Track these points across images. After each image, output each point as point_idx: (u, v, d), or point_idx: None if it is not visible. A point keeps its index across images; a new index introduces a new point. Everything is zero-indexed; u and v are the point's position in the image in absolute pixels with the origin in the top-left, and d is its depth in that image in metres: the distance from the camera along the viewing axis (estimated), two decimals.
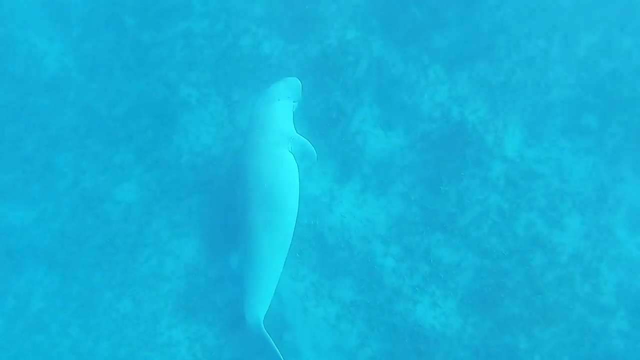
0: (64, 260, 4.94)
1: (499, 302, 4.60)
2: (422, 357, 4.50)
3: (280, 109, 4.42)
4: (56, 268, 4.94)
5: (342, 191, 4.88)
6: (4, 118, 5.23)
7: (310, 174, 4.89)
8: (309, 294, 4.67)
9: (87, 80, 5.28)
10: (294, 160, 4.39)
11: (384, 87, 5.06)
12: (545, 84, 4.95)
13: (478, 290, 4.64)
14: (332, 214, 4.83)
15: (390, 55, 5.09)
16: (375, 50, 5.12)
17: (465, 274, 4.68)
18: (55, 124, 5.18)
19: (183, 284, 4.82)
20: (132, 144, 5.09)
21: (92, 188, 5.03)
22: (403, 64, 5.08)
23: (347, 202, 4.86)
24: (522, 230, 4.71)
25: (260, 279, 4.29)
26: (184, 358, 4.62)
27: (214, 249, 4.84)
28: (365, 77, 5.07)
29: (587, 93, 4.91)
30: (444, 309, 4.62)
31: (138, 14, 5.31)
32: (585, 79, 4.93)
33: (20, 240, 5.01)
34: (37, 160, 5.12)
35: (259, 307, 4.29)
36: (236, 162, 4.76)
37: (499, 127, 4.88)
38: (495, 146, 4.84)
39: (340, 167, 4.93)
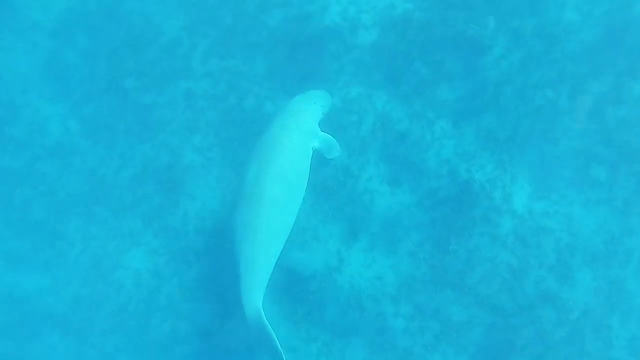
0: (79, 326, 5.01)
1: (510, 359, 4.62)
2: None
3: (314, 111, 4.64)
4: (71, 334, 5.01)
5: (351, 252, 4.88)
6: (12, 184, 5.24)
7: (318, 235, 4.89)
8: (321, 355, 4.71)
9: (91, 144, 5.27)
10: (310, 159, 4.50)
11: (390, 144, 5.00)
12: (552, 135, 4.87)
13: (489, 347, 4.66)
14: (342, 275, 4.84)
15: (395, 112, 5.02)
16: (379, 106, 5.04)
17: (476, 332, 4.70)
18: (63, 190, 5.19)
19: (197, 347, 4.88)
20: (139, 211, 5.09)
21: (102, 255, 5.06)
22: (408, 120, 5.00)
23: (356, 262, 4.86)
24: (531, 287, 4.70)
25: (257, 261, 4.09)
26: None
27: (226, 312, 4.87)
28: (371, 134, 5.01)
29: (596, 143, 4.83)
30: None
31: (138, 76, 5.26)
32: (594, 129, 4.85)
33: (34, 307, 5.08)
34: (47, 227, 5.15)
35: (257, 294, 4.09)
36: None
37: (507, 182, 4.83)
38: (503, 202, 4.79)
39: (348, 227, 4.91)
